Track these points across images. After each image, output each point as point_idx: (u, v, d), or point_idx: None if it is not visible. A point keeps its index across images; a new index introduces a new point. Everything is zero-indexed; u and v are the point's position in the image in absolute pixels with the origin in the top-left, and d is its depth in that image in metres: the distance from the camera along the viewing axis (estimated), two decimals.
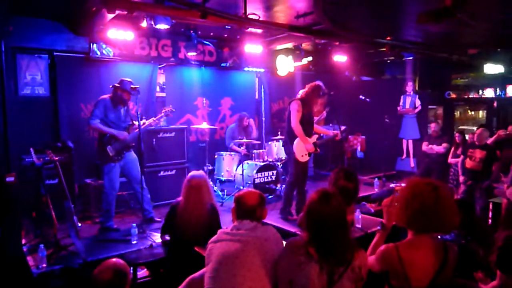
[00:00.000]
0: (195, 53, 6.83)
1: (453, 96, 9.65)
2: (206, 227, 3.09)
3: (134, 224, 4.75)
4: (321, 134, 5.67)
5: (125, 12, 4.27)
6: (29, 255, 4.14)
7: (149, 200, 5.37)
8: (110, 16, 4.69)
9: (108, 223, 5.06)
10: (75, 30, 5.88)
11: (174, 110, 5.46)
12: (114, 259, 2.12)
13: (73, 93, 6.10)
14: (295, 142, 5.09)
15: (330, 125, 8.66)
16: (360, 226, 4.13)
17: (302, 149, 5.11)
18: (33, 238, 4.51)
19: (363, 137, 9.18)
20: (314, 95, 5.11)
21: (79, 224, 4.46)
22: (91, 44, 6.08)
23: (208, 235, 2.56)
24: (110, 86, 5.05)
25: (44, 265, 3.87)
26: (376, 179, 7.54)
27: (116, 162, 5.01)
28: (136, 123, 5.26)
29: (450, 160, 7.07)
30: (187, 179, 3.24)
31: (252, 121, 7.40)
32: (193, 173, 3.34)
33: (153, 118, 5.30)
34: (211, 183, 6.55)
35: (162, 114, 5.32)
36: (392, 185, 7.35)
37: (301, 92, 5.25)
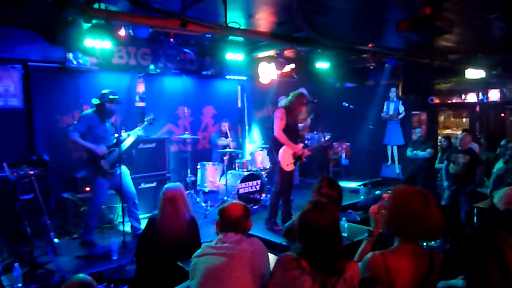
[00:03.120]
0: (175, 62, 6.84)
1: (436, 101, 9.87)
2: (186, 240, 3.10)
3: (115, 239, 4.69)
4: (307, 143, 5.74)
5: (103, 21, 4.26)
6: (3, 274, 4.06)
7: (138, 217, 5.35)
8: (87, 25, 4.67)
9: (88, 236, 5.01)
10: (51, 39, 5.81)
11: (154, 118, 5.53)
12: (80, 275, 2.08)
13: (49, 105, 6.01)
14: (280, 151, 5.14)
15: (315, 132, 8.75)
16: (346, 234, 4.16)
17: (287, 158, 5.17)
18: (7, 256, 4.42)
19: (348, 144, 9.29)
20: (297, 103, 5.18)
21: (56, 241, 4.40)
22: (67, 54, 6.02)
23: (188, 248, 2.58)
24: (93, 101, 5.05)
25: (20, 285, 3.79)
26: (362, 186, 7.63)
27: (109, 176, 5.01)
28: (125, 134, 5.28)
29: (437, 165, 7.21)
30: (162, 191, 3.25)
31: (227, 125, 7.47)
32: (168, 185, 3.36)
33: (138, 128, 5.34)
34: (194, 194, 6.67)
35: (146, 123, 5.36)
36: (378, 192, 7.47)
37: (284, 101, 5.31)
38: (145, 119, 5.44)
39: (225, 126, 7.39)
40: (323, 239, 2.01)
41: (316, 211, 2.06)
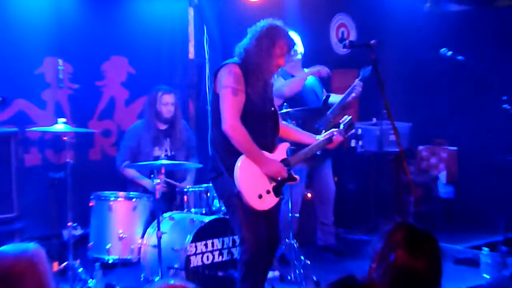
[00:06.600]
0: None
1: None
2: None
3: None
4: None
5: None
6: None
7: None
8: None
9: None
10: None
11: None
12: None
13: None
14: (237, 167, 5.22)
15: (373, 120, 9.36)
16: None
17: (256, 180, 5.37)
18: None
19: (453, 149, 9.72)
20: (266, 49, 5.36)
21: None
22: None
23: None
24: None
25: None
26: (485, 248, 7.58)
27: None
28: None
29: None
30: None
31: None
32: (5, 248, 3.01)
33: None
34: (82, 270, 6.78)
35: None
36: None
37: (238, 48, 5.56)
38: None
39: (168, 103, 7.62)
40: None
41: None
